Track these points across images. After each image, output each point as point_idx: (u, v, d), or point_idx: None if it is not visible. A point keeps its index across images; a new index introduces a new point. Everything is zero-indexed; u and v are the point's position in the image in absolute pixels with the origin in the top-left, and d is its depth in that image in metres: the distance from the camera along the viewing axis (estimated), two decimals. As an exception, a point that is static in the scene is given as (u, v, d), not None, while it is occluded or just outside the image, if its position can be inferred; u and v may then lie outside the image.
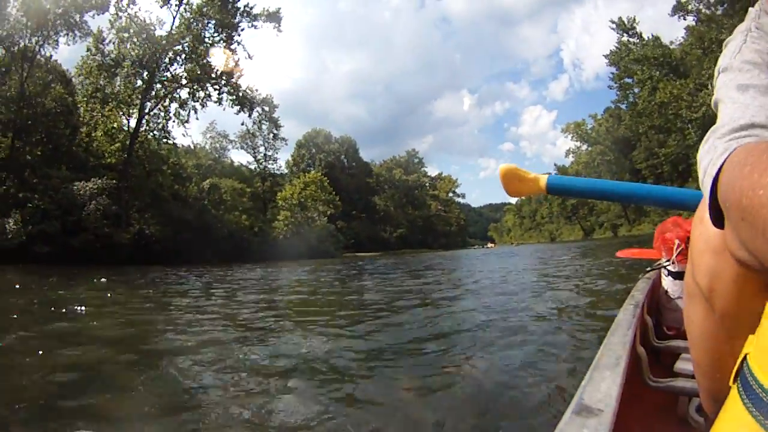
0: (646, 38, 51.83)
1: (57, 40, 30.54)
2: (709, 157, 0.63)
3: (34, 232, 22.47)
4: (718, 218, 0.59)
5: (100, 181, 26.24)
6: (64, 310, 6.07)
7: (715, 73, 0.83)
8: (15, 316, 5.67)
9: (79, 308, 6.19)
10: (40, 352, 3.48)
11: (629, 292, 1.79)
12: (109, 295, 8.70)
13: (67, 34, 30.90)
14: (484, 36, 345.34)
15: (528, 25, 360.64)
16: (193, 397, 2.58)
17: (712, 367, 0.80)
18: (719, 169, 0.58)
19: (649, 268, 2.16)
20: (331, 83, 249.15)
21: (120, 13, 33.00)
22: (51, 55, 31.21)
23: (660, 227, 2.11)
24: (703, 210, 0.67)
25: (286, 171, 64.67)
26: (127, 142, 32.59)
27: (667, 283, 2.00)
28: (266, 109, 45.59)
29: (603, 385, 0.80)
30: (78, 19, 31.08)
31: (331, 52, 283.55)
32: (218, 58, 36.34)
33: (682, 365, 1.39)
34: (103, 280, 12.27)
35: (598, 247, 25.42)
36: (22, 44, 28.54)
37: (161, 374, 3.01)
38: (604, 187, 2.06)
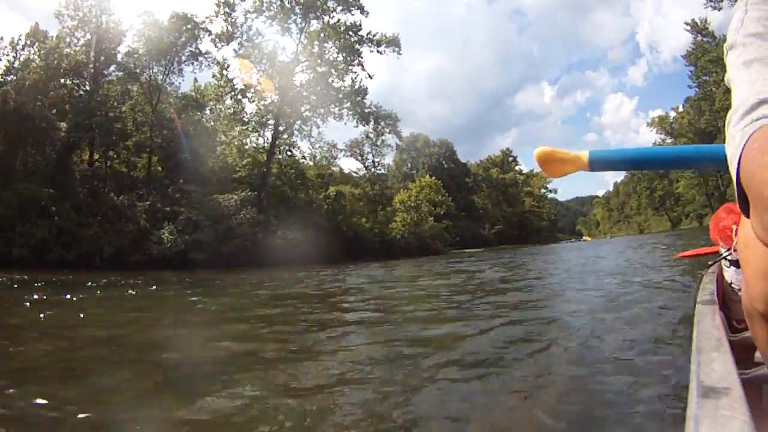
0: (718, 37, 48.76)
1: (182, 69, 30.88)
2: (730, 150, 0.56)
3: (189, 241, 23.04)
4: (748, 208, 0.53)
5: (243, 194, 27.28)
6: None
7: (725, 52, 0.69)
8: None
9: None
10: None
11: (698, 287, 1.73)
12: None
13: (192, 63, 31.29)
14: (558, 25, 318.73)
15: (601, 11, 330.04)
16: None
17: None
18: (739, 160, 0.52)
19: (710, 262, 2.06)
20: (411, 83, 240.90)
21: (245, 43, 33.28)
22: (179, 84, 31.70)
23: (714, 217, 1.91)
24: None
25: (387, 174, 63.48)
26: (261, 158, 32.99)
27: (730, 274, 1.77)
28: (390, 122, 43.95)
29: (716, 366, 0.75)
30: (202, 50, 31.52)
31: (408, 52, 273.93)
32: (337, 79, 36.14)
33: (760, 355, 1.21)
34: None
35: (685, 235, 25.59)
36: (147, 75, 29.20)
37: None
38: (649, 154, 1.50)
